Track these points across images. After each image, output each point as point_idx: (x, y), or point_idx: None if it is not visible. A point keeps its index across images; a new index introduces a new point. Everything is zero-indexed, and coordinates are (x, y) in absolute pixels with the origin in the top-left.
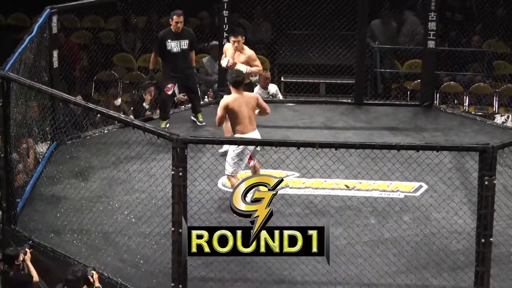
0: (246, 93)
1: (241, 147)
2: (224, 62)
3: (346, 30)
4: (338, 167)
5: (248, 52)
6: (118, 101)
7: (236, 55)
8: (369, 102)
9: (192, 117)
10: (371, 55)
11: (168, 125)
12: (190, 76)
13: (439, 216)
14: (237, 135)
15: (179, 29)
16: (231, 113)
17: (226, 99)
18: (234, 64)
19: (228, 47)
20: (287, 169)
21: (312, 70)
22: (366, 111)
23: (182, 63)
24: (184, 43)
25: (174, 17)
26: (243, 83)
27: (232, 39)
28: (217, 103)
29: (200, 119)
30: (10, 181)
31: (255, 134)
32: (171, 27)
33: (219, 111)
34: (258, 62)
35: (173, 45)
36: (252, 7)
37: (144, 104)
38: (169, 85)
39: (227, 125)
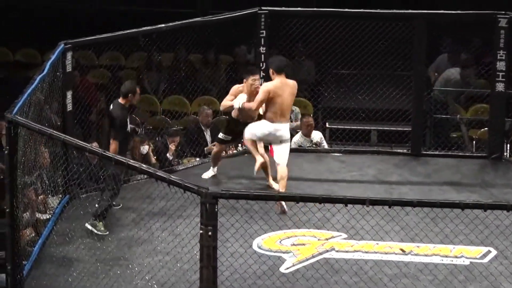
0: (289, 80)
1: (267, 131)
2: (237, 103)
3: (401, 70)
4: (392, 228)
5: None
6: (145, 149)
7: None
8: (428, 152)
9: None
10: (430, 98)
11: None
12: None
13: (510, 287)
14: (264, 121)
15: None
16: (269, 100)
17: (268, 85)
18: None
19: (239, 90)
20: (332, 229)
21: (362, 116)
22: (424, 163)
23: None
24: None
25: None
26: (286, 68)
27: (251, 77)
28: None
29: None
30: (16, 240)
31: (286, 127)
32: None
33: (261, 94)
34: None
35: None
36: (293, 43)
37: (168, 155)
38: None
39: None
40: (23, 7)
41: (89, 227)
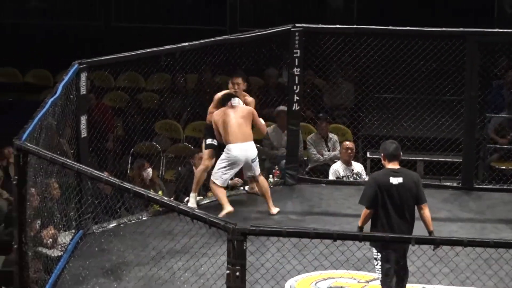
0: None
1: (233, 158)
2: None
3: (451, 94)
4: (440, 270)
5: (249, 99)
6: (149, 172)
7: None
8: (481, 186)
9: None
10: (483, 126)
11: None
12: None
13: None
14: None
15: None
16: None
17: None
18: None
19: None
20: (374, 271)
21: (407, 145)
22: (477, 198)
23: None
24: None
25: None
26: None
27: (232, 80)
28: (285, 183)
29: None
30: (24, 279)
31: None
32: None
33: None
34: (258, 119)
35: None
36: (330, 64)
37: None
38: None
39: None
40: (35, 24)
41: None
